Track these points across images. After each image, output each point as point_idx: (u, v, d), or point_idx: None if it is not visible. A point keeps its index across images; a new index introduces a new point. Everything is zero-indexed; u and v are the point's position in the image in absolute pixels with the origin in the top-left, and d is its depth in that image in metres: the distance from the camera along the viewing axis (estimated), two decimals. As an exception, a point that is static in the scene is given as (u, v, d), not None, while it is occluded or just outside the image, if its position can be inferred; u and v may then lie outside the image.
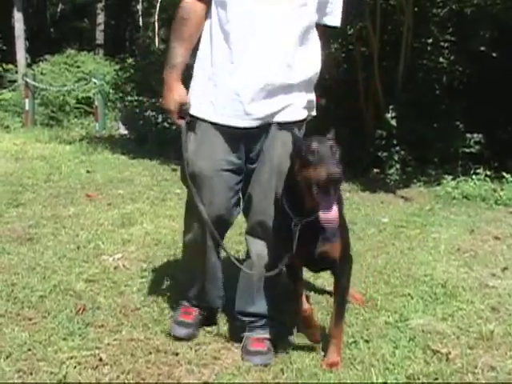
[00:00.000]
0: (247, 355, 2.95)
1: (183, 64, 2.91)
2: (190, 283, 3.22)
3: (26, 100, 13.38)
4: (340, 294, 2.91)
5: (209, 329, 3.24)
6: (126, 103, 12.23)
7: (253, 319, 3.07)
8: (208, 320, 3.28)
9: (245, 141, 2.89)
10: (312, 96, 3.04)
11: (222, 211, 2.95)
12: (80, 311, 3.40)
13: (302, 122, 2.99)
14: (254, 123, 2.83)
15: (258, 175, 2.94)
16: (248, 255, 3.10)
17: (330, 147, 2.63)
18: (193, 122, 2.90)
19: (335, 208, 2.56)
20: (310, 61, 2.95)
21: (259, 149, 2.92)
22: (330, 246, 2.77)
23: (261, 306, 3.05)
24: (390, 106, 8.18)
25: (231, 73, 2.80)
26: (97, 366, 2.83)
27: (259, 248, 3.03)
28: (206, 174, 2.88)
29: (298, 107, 2.94)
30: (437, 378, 2.77)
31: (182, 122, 2.93)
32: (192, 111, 2.90)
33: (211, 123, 2.86)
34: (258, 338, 3.03)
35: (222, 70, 2.82)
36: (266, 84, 2.80)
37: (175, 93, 2.89)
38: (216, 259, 3.13)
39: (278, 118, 2.88)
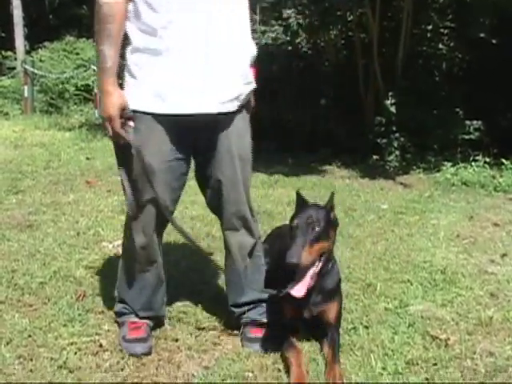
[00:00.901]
0: (247, 342, 2.95)
1: (116, 65, 2.70)
2: (136, 295, 3.01)
3: (25, 87, 13.35)
4: (332, 342, 2.85)
5: (208, 315, 3.24)
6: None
7: (247, 308, 3.06)
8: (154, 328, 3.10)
9: (191, 130, 2.77)
10: (250, 75, 2.96)
11: (168, 203, 2.87)
12: (80, 297, 3.41)
13: (247, 104, 2.95)
14: (198, 110, 2.72)
15: (220, 168, 2.87)
16: (228, 250, 3.05)
17: (308, 225, 2.72)
18: (133, 116, 2.72)
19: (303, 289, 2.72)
20: (247, 43, 2.89)
21: (206, 138, 2.83)
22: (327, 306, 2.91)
23: (252, 293, 3.05)
24: (390, 93, 8.15)
25: (170, 62, 2.68)
26: (97, 352, 2.84)
27: (239, 239, 3.00)
28: (155, 167, 2.76)
29: (239, 92, 2.86)
30: (436, 364, 2.77)
31: (125, 133, 2.70)
32: (132, 106, 2.71)
33: (154, 115, 2.72)
34: (256, 324, 3.03)
35: (160, 60, 2.68)
36: (207, 70, 2.70)
37: (114, 97, 2.67)
38: (161, 259, 3.04)
39: (223, 107, 2.78)
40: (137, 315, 3.02)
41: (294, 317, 2.91)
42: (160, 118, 2.72)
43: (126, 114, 2.70)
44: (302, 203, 2.94)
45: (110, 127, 2.70)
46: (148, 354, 2.83)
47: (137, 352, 2.83)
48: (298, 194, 2.97)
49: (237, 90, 2.84)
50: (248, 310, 3.06)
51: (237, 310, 3.08)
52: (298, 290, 2.73)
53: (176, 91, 2.69)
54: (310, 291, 2.79)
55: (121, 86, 2.75)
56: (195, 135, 2.81)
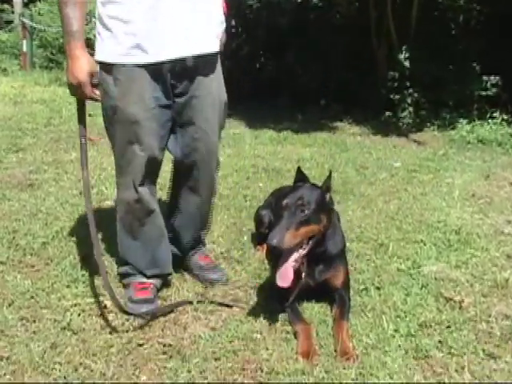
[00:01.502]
0: (203, 272, 3.21)
1: (82, 28, 2.68)
2: (139, 253, 3.03)
3: (24, 41, 13.21)
4: (341, 302, 2.89)
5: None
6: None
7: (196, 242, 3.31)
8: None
9: (172, 76, 2.79)
10: (222, 16, 2.94)
11: (156, 151, 2.87)
12: (84, 258, 3.41)
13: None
14: (174, 56, 2.73)
15: (201, 112, 2.91)
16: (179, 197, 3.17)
17: (297, 206, 2.71)
18: (110, 68, 2.74)
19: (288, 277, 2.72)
20: None
21: (187, 82, 2.85)
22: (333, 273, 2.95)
23: (196, 232, 3.28)
24: (404, 47, 8.04)
25: (147, 9, 2.65)
26: (101, 314, 2.86)
27: (207, 180, 3.09)
28: (138, 117, 2.76)
29: (218, 32, 2.90)
30: (449, 326, 2.78)
31: (95, 95, 2.73)
32: (109, 59, 2.73)
33: (133, 65, 2.71)
34: (205, 255, 3.31)
35: (136, 8, 2.65)
36: (186, 14, 2.71)
37: (83, 61, 2.65)
38: (158, 210, 3.04)
39: (198, 50, 2.80)
40: (144, 275, 3.04)
41: (301, 288, 2.91)
42: (141, 68, 2.72)
43: (94, 81, 2.70)
44: (298, 181, 2.92)
45: (79, 93, 2.71)
46: (154, 316, 2.85)
47: (142, 311, 2.86)
48: (299, 170, 2.95)
49: (215, 30, 2.88)
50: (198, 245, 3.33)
51: (191, 246, 3.29)
52: (283, 279, 2.72)
53: (156, 39, 2.68)
54: (310, 261, 2.86)
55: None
56: (176, 81, 2.82)
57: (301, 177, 2.93)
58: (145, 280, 3.04)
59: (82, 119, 2.85)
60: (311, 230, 2.74)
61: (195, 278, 3.23)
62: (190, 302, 2.96)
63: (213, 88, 2.92)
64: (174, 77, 2.80)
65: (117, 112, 2.78)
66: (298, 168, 2.95)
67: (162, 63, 2.73)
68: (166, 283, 3.14)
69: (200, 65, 2.83)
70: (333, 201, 2.94)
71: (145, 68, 2.72)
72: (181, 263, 3.29)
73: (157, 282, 3.07)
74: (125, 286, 3.11)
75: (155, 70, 2.74)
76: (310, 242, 2.78)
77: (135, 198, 2.91)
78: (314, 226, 2.75)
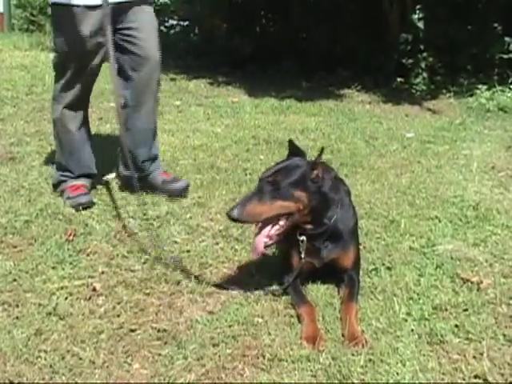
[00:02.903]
0: (167, 185, 4.04)
1: None
2: (70, 156, 4.00)
3: (0, 1, 13.13)
4: (350, 283, 2.91)
5: (213, 255, 3.26)
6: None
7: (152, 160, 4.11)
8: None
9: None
10: None
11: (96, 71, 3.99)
12: (70, 237, 3.42)
13: None
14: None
15: (139, 34, 3.86)
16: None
17: (268, 182, 2.78)
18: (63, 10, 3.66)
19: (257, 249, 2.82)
20: None
21: (125, 20, 3.79)
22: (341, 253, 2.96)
23: (155, 149, 4.15)
24: (417, 6, 7.99)
25: None
26: (90, 297, 2.87)
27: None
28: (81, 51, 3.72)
29: None
30: (466, 309, 2.78)
31: None
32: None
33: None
34: (164, 171, 4.18)
35: None
36: None
37: None
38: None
39: None
40: (72, 174, 3.97)
41: (306, 269, 2.95)
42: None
43: None
44: (292, 154, 2.95)
45: None
46: (90, 204, 3.82)
47: (81, 202, 3.79)
48: (291, 143, 2.96)
49: None
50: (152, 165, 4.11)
51: (149, 165, 4.07)
52: (253, 251, 2.89)
53: None
54: (313, 241, 2.90)
55: None
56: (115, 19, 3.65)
57: (294, 150, 2.96)
58: (75, 182, 3.94)
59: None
60: (281, 207, 2.76)
61: (162, 193, 4.01)
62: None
63: (144, 20, 3.91)
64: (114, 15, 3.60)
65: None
66: (290, 141, 2.96)
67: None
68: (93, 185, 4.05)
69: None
70: (319, 179, 2.84)
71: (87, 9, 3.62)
72: (144, 185, 3.91)
73: (86, 181, 3.99)
74: (61, 193, 3.96)
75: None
76: (287, 221, 2.80)
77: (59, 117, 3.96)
78: (286, 203, 2.76)
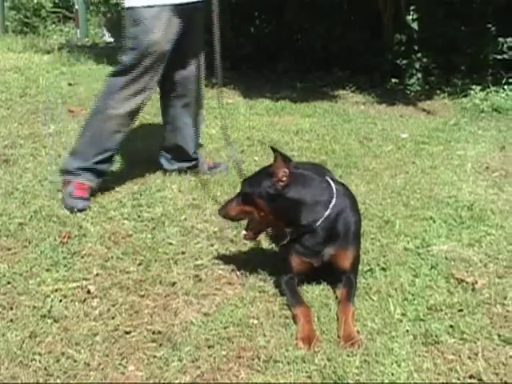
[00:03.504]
0: (213, 170, 4.53)
1: None
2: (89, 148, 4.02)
3: (-6, 3, 13.12)
4: (347, 284, 2.93)
5: (208, 256, 3.26)
6: (111, 7, 11.98)
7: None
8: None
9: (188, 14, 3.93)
10: None
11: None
12: (64, 239, 3.42)
13: None
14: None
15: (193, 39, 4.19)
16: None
17: (243, 186, 3.07)
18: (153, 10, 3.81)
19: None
20: None
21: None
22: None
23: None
24: (411, 7, 7.99)
25: None
26: (85, 299, 2.87)
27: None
28: (166, 49, 3.91)
29: None
30: (461, 310, 2.79)
31: None
32: (153, 2, 3.80)
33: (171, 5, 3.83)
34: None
35: None
36: None
37: None
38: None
39: None
40: (83, 173, 3.97)
41: (303, 268, 2.98)
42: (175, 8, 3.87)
43: None
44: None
45: None
46: (83, 209, 3.80)
47: (78, 207, 3.78)
48: (273, 150, 2.95)
49: None
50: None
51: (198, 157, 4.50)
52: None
53: None
54: (313, 242, 2.95)
55: None
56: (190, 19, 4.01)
57: (274, 155, 2.96)
58: (84, 181, 3.93)
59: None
60: (246, 211, 3.01)
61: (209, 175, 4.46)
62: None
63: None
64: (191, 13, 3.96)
65: (154, 46, 3.88)
66: (272, 148, 2.97)
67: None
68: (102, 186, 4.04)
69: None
70: (275, 189, 2.88)
71: (177, 9, 3.86)
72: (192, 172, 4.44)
73: (94, 182, 3.99)
74: (63, 184, 4.00)
75: (184, 10, 3.88)
76: (258, 223, 3.05)
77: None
78: (249, 208, 2.98)
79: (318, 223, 2.91)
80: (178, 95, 4.33)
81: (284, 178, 2.86)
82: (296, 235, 2.96)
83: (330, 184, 3.01)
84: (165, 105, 4.46)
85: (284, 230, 3.01)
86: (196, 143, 4.53)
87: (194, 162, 4.51)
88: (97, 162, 3.99)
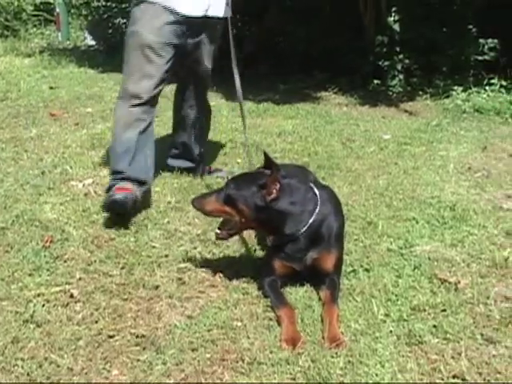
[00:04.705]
0: (213, 173, 4.55)
1: None
2: (121, 155, 3.82)
3: (-26, 6, 13.05)
4: (331, 285, 2.93)
5: (191, 259, 3.26)
6: (93, 9, 11.94)
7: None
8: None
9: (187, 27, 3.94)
10: None
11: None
12: (47, 243, 3.40)
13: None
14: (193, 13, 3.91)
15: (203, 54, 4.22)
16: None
17: (228, 186, 3.01)
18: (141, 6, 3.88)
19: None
20: None
21: (198, 39, 4.08)
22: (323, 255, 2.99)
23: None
24: (393, 8, 8.02)
25: None
26: (68, 304, 2.85)
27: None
28: (147, 41, 3.82)
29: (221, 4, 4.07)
30: (444, 310, 2.80)
31: None
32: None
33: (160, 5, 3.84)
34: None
35: None
36: None
37: None
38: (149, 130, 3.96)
39: (209, 12, 3.99)
40: (121, 176, 3.76)
41: (286, 272, 2.98)
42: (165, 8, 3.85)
43: None
44: (265, 167, 3.01)
45: None
46: (125, 202, 3.59)
47: (116, 197, 3.59)
48: (265, 155, 2.98)
49: None
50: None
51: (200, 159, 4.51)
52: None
53: None
54: (295, 247, 2.95)
55: None
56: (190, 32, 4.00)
57: (267, 163, 2.98)
58: (123, 185, 3.70)
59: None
60: (226, 212, 2.98)
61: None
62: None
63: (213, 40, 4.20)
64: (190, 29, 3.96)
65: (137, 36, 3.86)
66: (265, 153, 2.98)
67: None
68: (146, 194, 3.88)
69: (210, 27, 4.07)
70: (264, 201, 2.88)
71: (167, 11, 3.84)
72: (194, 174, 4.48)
73: (136, 188, 3.73)
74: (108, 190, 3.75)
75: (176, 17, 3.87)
76: (235, 226, 3.01)
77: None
78: (230, 211, 2.95)
79: (302, 231, 2.92)
80: (187, 98, 4.43)
81: (275, 192, 2.87)
82: (279, 243, 2.97)
83: (314, 192, 3.02)
84: (176, 102, 4.56)
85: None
86: (201, 146, 4.57)
87: (194, 165, 4.56)
88: None
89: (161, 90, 3.98)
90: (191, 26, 3.95)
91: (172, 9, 3.85)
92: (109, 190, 3.75)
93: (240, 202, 2.91)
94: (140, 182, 3.81)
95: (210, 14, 4.01)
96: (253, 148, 5.23)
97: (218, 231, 3.07)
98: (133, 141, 3.82)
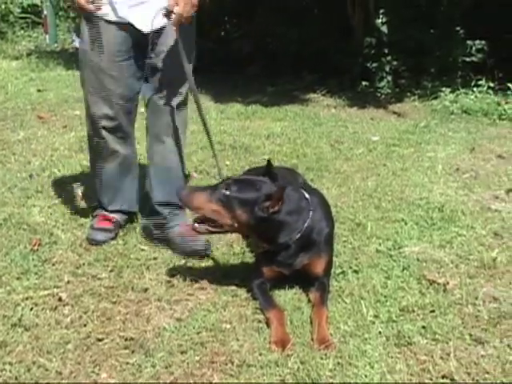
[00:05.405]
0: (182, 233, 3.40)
1: None
2: (102, 188, 3.61)
3: (-41, 8, 12.99)
4: (320, 287, 2.93)
5: (181, 262, 3.25)
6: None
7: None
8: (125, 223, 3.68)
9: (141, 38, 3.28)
10: None
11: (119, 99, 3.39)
12: (35, 246, 3.39)
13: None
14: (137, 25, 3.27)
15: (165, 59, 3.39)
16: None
17: (224, 185, 2.89)
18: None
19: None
20: None
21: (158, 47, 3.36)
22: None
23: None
24: (381, 10, 8.04)
25: None
26: (56, 307, 2.85)
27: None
28: (94, 61, 3.31)
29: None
30: (433, 311, 2.82)
31: (91, 8, 3.16)
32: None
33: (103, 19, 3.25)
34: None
35: None
36: None
37: None
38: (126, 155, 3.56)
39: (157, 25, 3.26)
40: (106, 208, 3.60)
41: (275, 276, 2.99)
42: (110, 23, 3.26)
43: None
44: (265, 174, 3.01)
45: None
46: (104, 242, 3.44)
47: (96, 238, 3.45)
48: (269, 163, 3.00)
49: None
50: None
51: (165, 210, 3.54)
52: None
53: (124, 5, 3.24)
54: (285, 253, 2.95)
55: None
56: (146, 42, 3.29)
57: (268, 172, 2.99)
58: (107, 213, 3.58)
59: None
60: (218, 213, 2.86)
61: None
62: None
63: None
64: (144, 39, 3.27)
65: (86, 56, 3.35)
66: (269, 161, 3.00)
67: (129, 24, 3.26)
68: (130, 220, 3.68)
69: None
70: (265, 212, 2.84)
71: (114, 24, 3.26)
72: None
73: (120, 217, 3.61)
74: (93, 217, 3.64)
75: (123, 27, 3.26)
76: (221, 228, 2.92)
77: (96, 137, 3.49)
78: (224, 213, 2.85)
79: (294, 239, 2.92)
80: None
81: (277, 207, 2.84)
82: (271, 250, 2.97)
83: (306, 198, 3.02)
84: None
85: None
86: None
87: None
88: None
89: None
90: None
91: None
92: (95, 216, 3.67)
93: (240, 206, 2.84)
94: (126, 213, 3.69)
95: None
96: (241, 150, 5.25)
97: (196, 225, 2.94)
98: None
